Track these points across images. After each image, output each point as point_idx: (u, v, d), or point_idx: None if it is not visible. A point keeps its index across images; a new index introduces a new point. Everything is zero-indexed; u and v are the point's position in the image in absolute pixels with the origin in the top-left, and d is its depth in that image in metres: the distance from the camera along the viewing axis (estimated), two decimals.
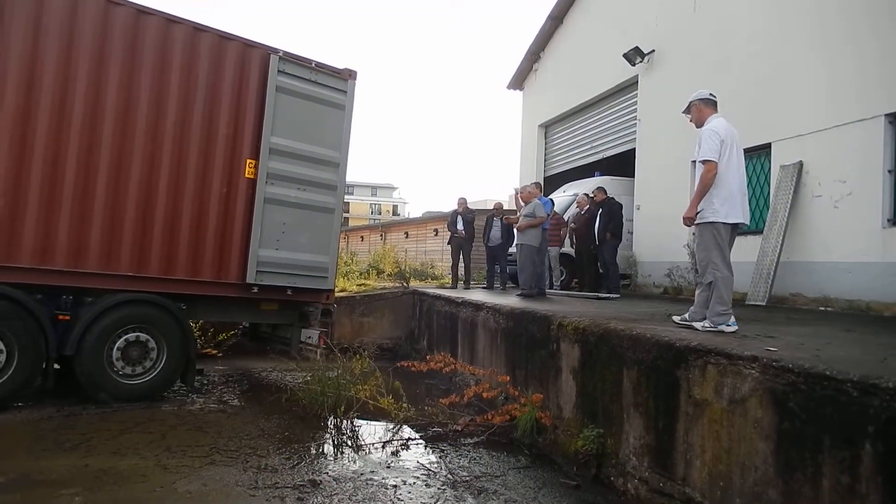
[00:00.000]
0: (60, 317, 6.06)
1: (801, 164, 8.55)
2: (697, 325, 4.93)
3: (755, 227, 9.39)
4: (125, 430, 5.43)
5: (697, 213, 4.85)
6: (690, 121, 5.24)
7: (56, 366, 6.07)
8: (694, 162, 10.53)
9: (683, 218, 5.00)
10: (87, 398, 6.18)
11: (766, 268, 8.53)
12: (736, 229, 4.96)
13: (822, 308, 7.82)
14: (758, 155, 9.52)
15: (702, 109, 5.09)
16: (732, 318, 4.78)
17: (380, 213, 70.76)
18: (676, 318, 5.24)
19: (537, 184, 11.61)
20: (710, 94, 5.14)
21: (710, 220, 4.81)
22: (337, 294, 8.61)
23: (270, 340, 8.23)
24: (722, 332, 4.66)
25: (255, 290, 7.01)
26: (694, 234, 5.26)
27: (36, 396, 6.10)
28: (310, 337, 7.59)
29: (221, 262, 6.84)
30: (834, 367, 3.04)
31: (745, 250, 9.25)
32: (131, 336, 6.42)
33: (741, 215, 4.85)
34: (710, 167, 4.73)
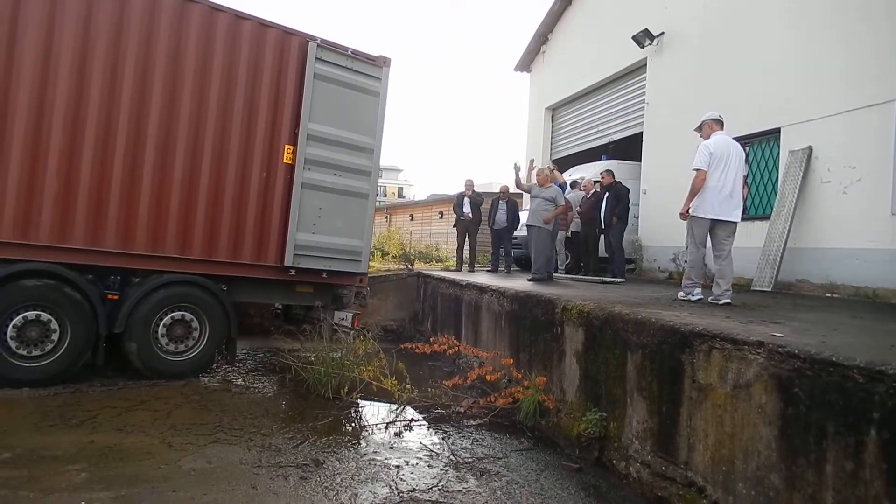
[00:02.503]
0: (109, 296, 6.32)
1: (810, 149, 8.45)
2: (679, 294, 6.31)
3: (762, 213, 9.33)
4: (131, 408, 5.48)
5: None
6: (700, 137, 6.31)
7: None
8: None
9: (679, 214, 6.17)
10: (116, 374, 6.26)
11: (773, 253, 8.48)
12: (726, 224, 6.02)
13: (829, 295, 7.78)
14: (767, 140, 9.43)
15: (712, 126, 6.22)
16: (696, 290, 6.12)
17: (385, 196, 70.59)
18: (679, 296, 6.31)
19: (554, 167, 11.56)
20: (719, 116, 6.28)
21: (691, 214, 6.05)
22: None
23: (304, 322, 8.30)
24: (690, 299, 6.03)
25: (293, 272, 7.19)
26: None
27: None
28: (343, 319, 7.73)
29: (261, 245, 7.04)
30: (840, 354, 3.02)
31: (751, 236, 9.20)
32: (176, 315, 6.67)
33: (720, 213, 5.94)
34: (698, 174, 5.92)
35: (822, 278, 8.05)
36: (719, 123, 6.21)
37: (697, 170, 5.94)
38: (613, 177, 10.68)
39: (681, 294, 6.25)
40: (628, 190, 10.68)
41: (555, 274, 10.43)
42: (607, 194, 10.51)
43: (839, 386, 2.92)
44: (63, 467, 4.03)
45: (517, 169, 9.92)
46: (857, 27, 7.88)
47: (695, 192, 5.98)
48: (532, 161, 10.08)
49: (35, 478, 3.84)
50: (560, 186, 10.41)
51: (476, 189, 12.76)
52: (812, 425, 3.03)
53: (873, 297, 7.25)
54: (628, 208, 10.62)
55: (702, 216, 5.99)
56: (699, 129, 6.34)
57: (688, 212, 6.07)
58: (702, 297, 6.05)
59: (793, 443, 3.13)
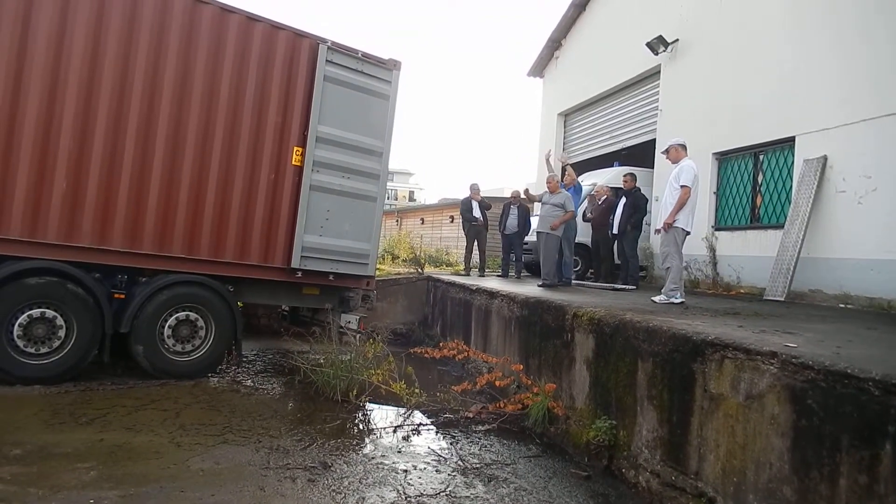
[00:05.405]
0: (116, 295, 6.35)
1: (825, 158, 8.37)
2: (655, 298, 6.79)
3: (776, 222, 9.25)
4: (140, 407, 5.50)
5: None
6: (667, 159, 7.20)
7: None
8: (715, 154, 10.46)
9: (664, 223, 6.82)
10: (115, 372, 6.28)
11: (787, 263, 8.40)
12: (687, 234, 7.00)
13: (842, 305, 7.69)
14: (781, 148, 9.35)
15: (679, 151, 7.01)
16: (679, 293, 6.77)
17: (395, 199, 70.66)
18: (656, 299, 6.75)
19: (566, 165, 11.49)
20: (684, 142, 7.15)
21: (679, 227, 6.79)
22: None
23: (310, 324, 8.32)
24: (672, 302, 6.59)
25: (299, 274, 7.20)
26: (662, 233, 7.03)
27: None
28: (349, 322, 7.74)
29: (268, 247, 7.05)
30: (855, 365, 2.98)
31: (765, 245, 9.14)
32: (182, 315, 6.69)
33: (691, 226, 6.91)
34: (687, 191, 6.70)
35: (836, 289, 7.96)
36: (685, 149, 7.08)
37: (684, 187, 6.68)
38: (636, 181, 10.52)
39: (661, 297, 6.73)
40: (647, 200, 10.54)
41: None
42: (624, 200, 10.34)
43: (854, 398, 2.88)
44: (72, 465, 4.05)
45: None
46: (876, 36, 7.80)
47: (682, 205, 6.73)
48: (549, 152, 10.46)
49: (44, 475, 3.85)
50: (575, 188, 10.43)
51: (486, 194, 12.75)
52: (826, 438, 2.99)
53: (888, 308, 7.15)
54: (644, 216, 10.51)
55: (684, 228, 6.80)
56: (666, 152, 7.13)
57: (671, 224, 6.79)
58: (684, 300, 6.73)
59: (806, 455, 3.09)
